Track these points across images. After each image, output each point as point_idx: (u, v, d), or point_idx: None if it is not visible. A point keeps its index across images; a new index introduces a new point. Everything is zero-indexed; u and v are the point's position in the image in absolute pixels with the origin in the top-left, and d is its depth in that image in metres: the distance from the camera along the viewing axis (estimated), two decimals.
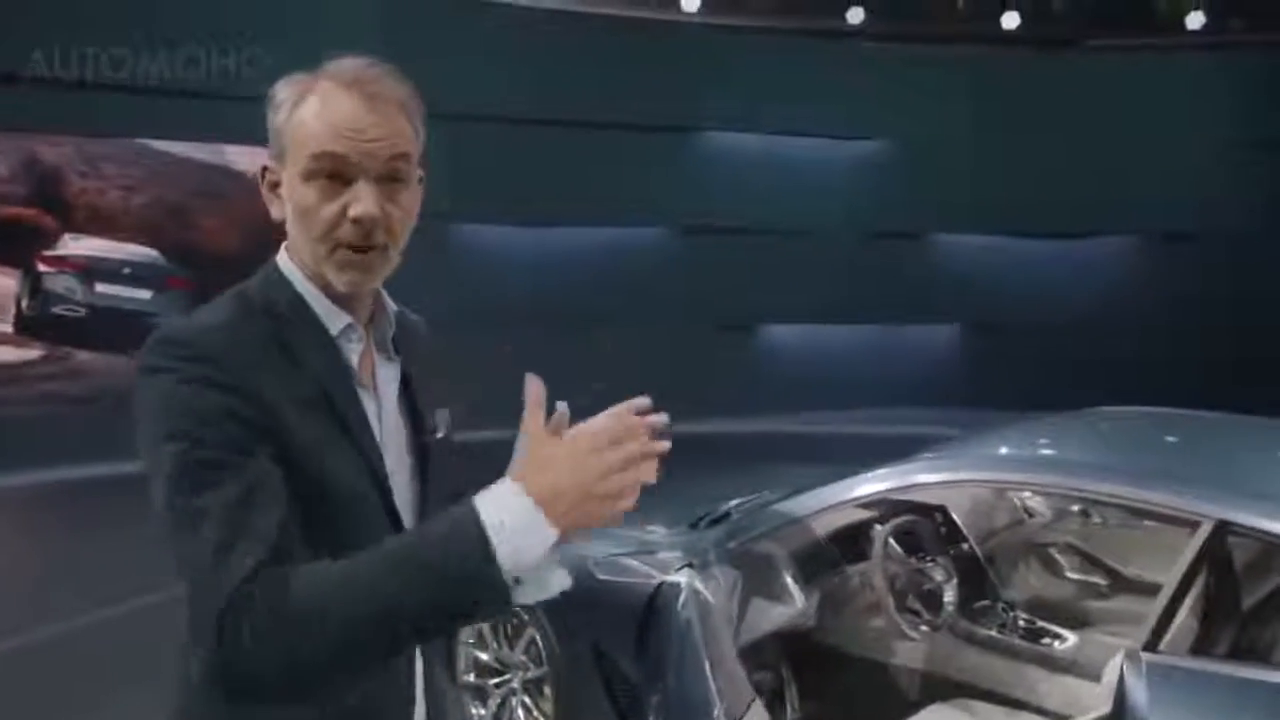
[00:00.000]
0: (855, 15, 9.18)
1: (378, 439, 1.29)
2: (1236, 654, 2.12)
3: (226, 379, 1.15)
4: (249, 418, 1.14)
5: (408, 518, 1.32)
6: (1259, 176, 9.79)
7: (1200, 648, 2.10)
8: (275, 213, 1.29)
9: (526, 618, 3.19)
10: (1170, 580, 2.10)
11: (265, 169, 1.28)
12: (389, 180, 1.24)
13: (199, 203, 7.82)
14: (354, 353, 1.29)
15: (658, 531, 3.07)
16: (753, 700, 2.38)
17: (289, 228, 1.27)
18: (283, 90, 1.26)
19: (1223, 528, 2.09)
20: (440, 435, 1.41)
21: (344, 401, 1.25)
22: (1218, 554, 2.13)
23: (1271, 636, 2.21)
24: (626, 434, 1.09)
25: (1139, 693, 1.99)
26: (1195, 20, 8.82)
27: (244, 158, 7.87)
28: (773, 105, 9.44)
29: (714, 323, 9.59)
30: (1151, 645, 2.05)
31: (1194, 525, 2.15)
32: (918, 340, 10.35)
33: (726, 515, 3.12)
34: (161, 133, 7.53)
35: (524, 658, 3.25)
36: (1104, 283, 9.99)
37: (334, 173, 1.21)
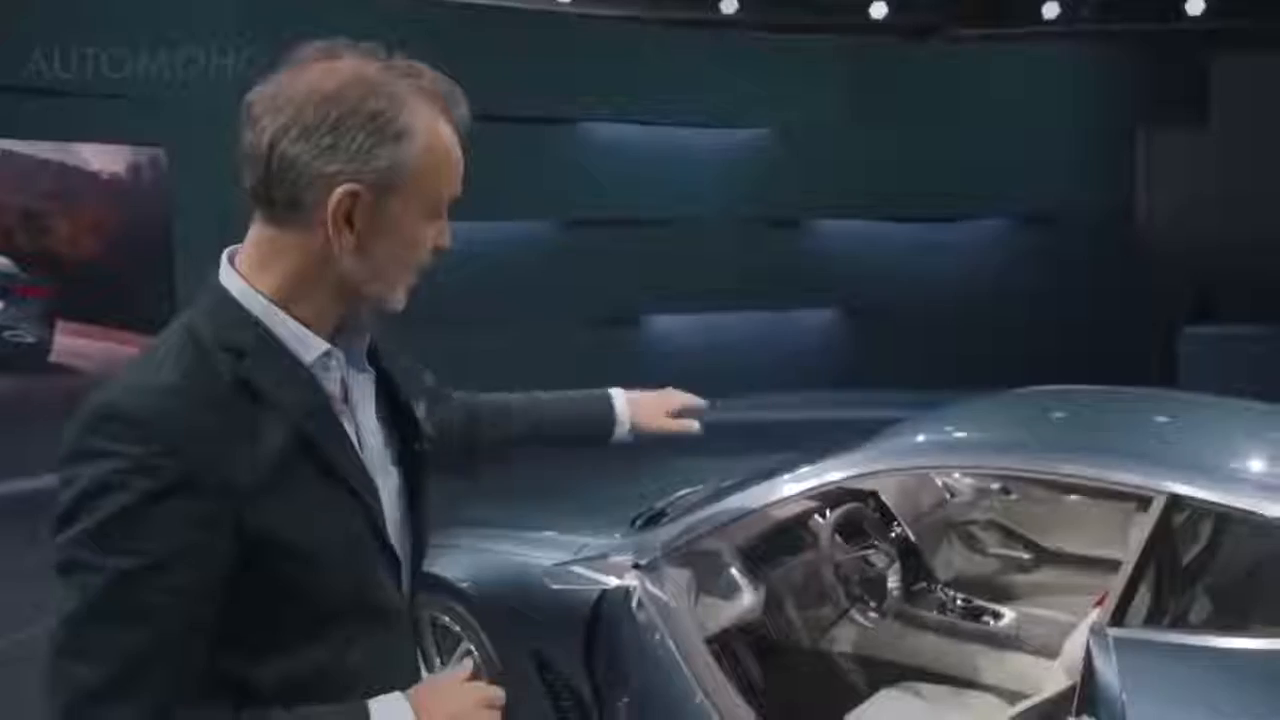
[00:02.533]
0: (729, 5, 9.25)
1: (366, 467, 1.22)
2: (1193, 625, 2.19)
3: (181, 467, 1.04)
4: (200, 517, 1.05)
5: (400, 535, 1.28)
6: (1112, 159, 10.32)
7: (1157, 620, 2.16)
8: (346, 242, 1.14)
9: (460, 629, 3.08)
10: (1128, 556, 2.14)
11: (355, 195, 1.12)
12: None
13: (52, 205, 7.30)
14: (333, 380, 1.20)
15: (590, 533, 3.00)
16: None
17: (363, 260, 1.15)
18: (406, 118, 1.14)
19: (1175, 501, 2.15)
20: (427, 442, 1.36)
21: (327, 440, 1.16)
22: (1171, 528, 2.19)
23: (1225, 605, 2.29)
24: (498, 704, 1.21)
25: (1108, 668, 2.02)
26: (1050, 10, 9.22)
27: (99, 157, 7.40)
28: (648, 95, 9.42)
29: (594, 315, 9.53)
30: (1116, 620, 2.09)
31: (1145, 501, 2.21)
32: (798, 326, 10.53)
33: (661, 514, 3.07)
34: (12, 132, 7.00)
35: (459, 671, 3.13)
36: (972, 265, 10.36)
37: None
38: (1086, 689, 2.07)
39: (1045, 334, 9.51)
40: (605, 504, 3.31)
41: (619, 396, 1.94)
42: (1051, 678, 2.40)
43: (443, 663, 3.16)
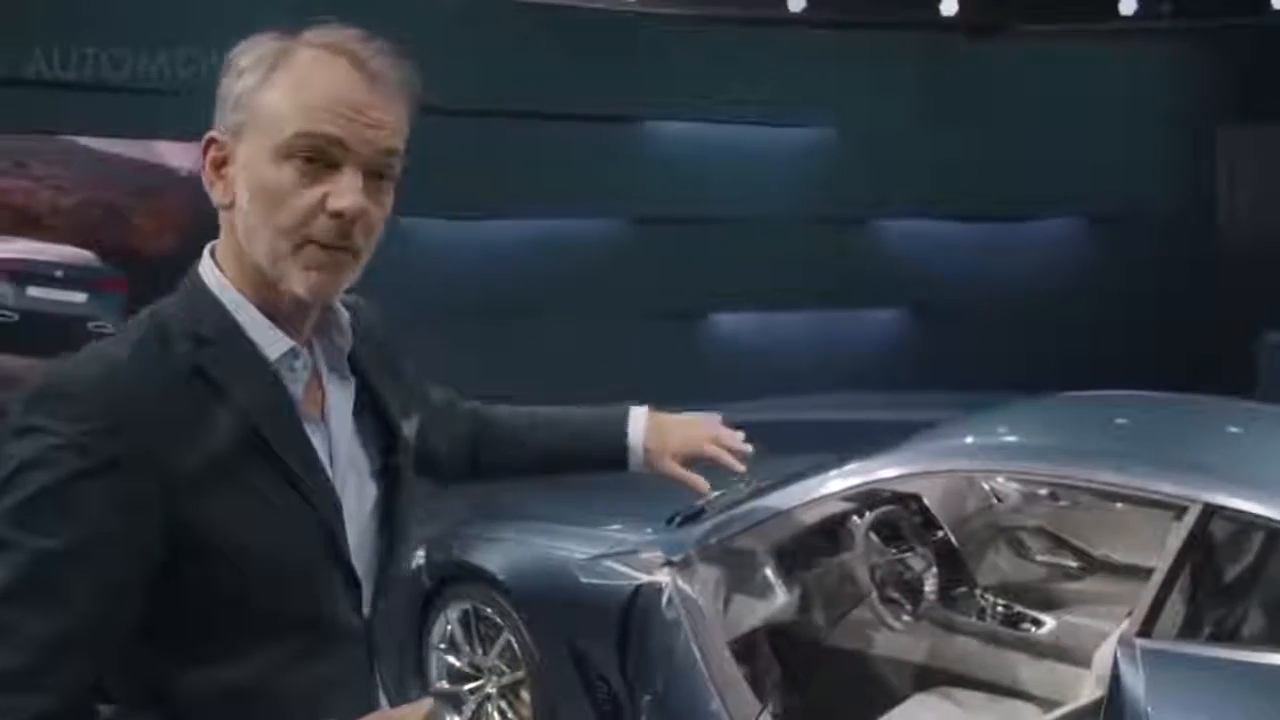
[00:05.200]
0: (796, 3, 9.18)
1: (331, 479, 1.13)
2: (1227, 638, 2.15)
3: (114, 448, 0.97)
4: (129, 500, 0.98)
5: (368, 554, 1.19)
6: (1190, 158, 10.02)
7: (1191, 632, 2.12)
8: (218, 196, 1.09)
9: (501, 621, 3.14)
10: (1160, 565, 2.11)
11: (211, 142, 1.09)
12: (376, 175, 1.08)
13: (132, 202, 7.57)
14: (298, 381, 1.12)
15: (632, 529, 3.04)
16: (761, 711, 2.36)
17: (240, 218, 1.08)
18: (250, 53, 1.08)
19: (1209, 511, 2.12)
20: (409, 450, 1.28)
21: (285, 443, 1.08)
22: (1205, 538, 2.15)
23: (1261, 619, 2.24)
24: None
25: (1134, 679, 2.00)
26: (1128, 6, 8.98)
27: (178, 155, 7.64)
28: (715, 94, 9.41)
29: (663, 313, 9.55)
30: (1144, 631, 2.06)
31: (1180, 510, 2.17)
32: (863, 325, 10.43)
33: (701, 512, 3.09)
34: (92, 130, 7.27)
35: (499, 662, 3.20)
36: (1042, 265, 10.15)
37: (317, 155, 1.04)
38: (1113, 700, 2.05)
39: (1117, 336, 9.28)
40: (656, 500, 3.34)
41: (636, 424, 1.75)
42: (1085, 687, 2.38)
43: (483, 653, 3.23)
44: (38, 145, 7.30)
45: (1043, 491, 3.48)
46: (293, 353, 1.11)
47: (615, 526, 3.09)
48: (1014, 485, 3.43)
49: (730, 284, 9.72)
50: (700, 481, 1.80)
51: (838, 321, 10.34)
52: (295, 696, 1.10)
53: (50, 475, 0.96)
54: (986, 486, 3.48)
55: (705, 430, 1.82)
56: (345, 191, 1.05)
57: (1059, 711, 2.30)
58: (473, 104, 8.22)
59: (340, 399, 1.18)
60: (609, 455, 1.77)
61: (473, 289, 8.60)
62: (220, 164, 1.09)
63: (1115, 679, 2.03)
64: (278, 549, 1.07)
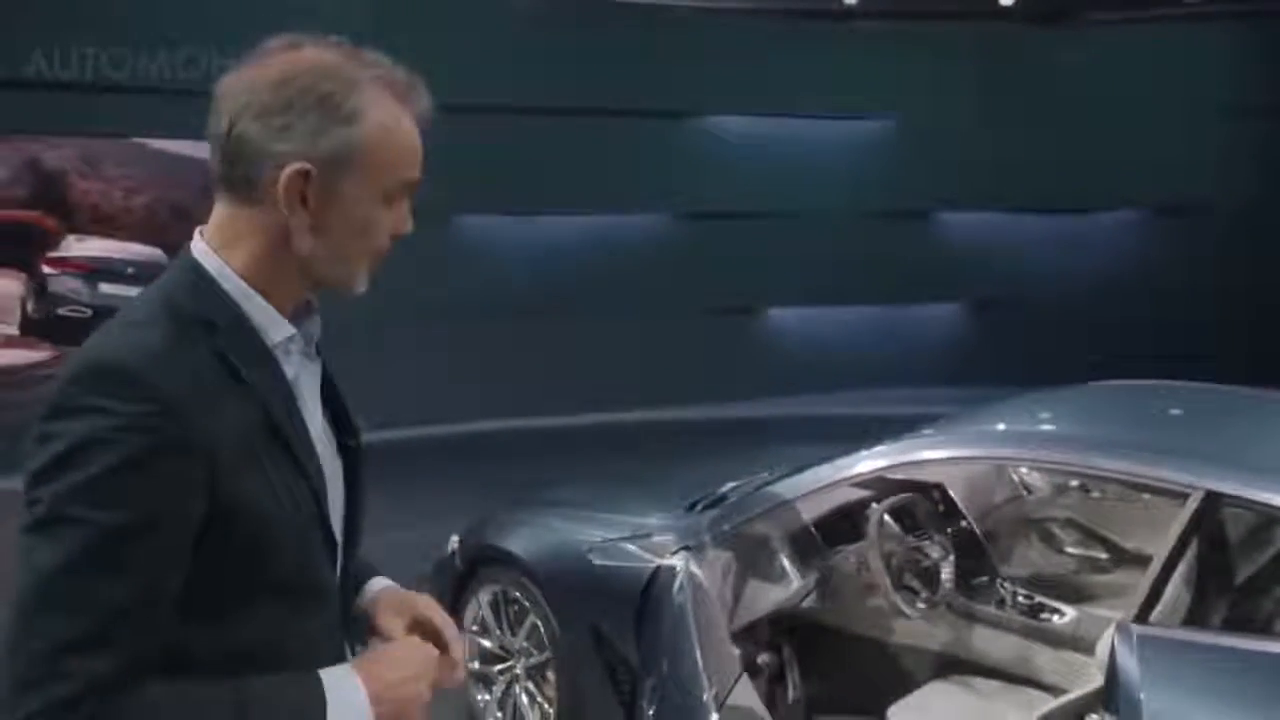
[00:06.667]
0: None
1: (316, 451, 1.24)
2: (1227, 625, 2.13)
3: (174, 429, 1.06)
4: (188, 478, 1.07)
5: (337, 519, 1.30)
6: (1262, 147, 9.72)
7: (1191, 619, 2.11)
8: (300, 221, 1.17)
9: (528, 604, 3.22)
10: (1160, 552, 2.10)
11: (305, 174, 1.15)
12: None
13: (199, 201, 7.83)
14: (293, 364, 1.23)
15: (655, 515, 3.09)
16: (739, 675, 2.40)
17: (320, 238, 1.18)
18: (357, 100, 1.18)
19: (1211, 498, 2.10)
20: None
21: (289, 423, 1.19)
22: (1207, 525, 2.13)
23: (1262, 607, 2.22)
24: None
25: (1130, 665, 2.00)
26: None
27: None
28: (769, 87, 9.39)
29: (715, 308, 9.57)
30: (1142, 617, 2.06)
31: (1183, 497, 2.16)
32: (920, 320, 10.32)
33: (723, 498, 3.13)
34: (162, 132, 7.55)
35: (526, 644, 3.28)
36: (1106, 258, 9.94)
37: (406, 194, 1.24)
38: (1111, 685, 2.05)
39: (1184, 330, 9.05)
40: (681, 486, 3.39)
41: (370, 591, 1.47)
42: (1092, 674, 2.38)
43: (512, 635, 3.31)
44: (110, 147, 7.60)
45: (1073, 482, 3.46)
46: (291, 338, 1.23)
47: (638, 512, 3.14)
48: (1037, 476, 3.41)
49: (788, 279, 9.69)
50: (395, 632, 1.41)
51: (896, 317, 10.24)
52: (289, 652, 1.19)
53: (115, 454, 1.03)
54: (1014, 477, 3.47)
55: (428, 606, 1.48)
56: (408, 218, 1.25)
57: (1064, 698, 2.31)
58: (526, 101, 8.35)
59: (310, 378, 1.28)
60: None
61: (528, 285, 8.72)
62: (302, 191, 1.17)
63: (1112, 665, 2.03)
64: (286, 518, 1.17)
